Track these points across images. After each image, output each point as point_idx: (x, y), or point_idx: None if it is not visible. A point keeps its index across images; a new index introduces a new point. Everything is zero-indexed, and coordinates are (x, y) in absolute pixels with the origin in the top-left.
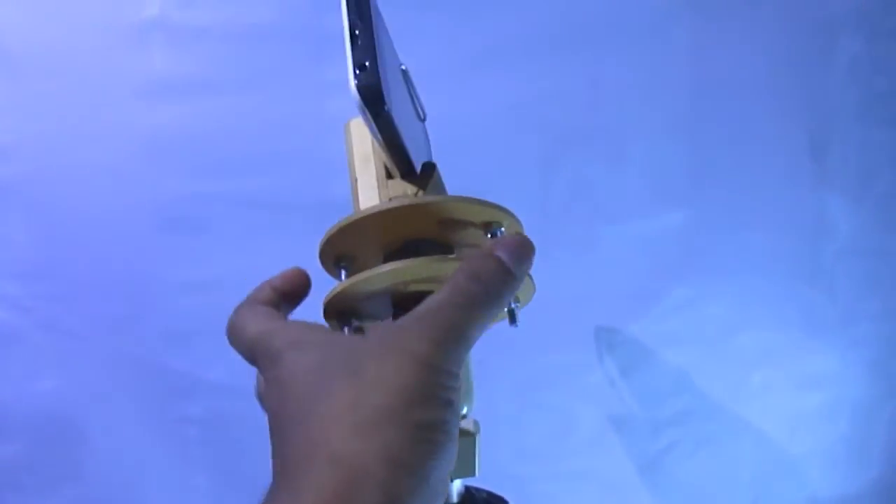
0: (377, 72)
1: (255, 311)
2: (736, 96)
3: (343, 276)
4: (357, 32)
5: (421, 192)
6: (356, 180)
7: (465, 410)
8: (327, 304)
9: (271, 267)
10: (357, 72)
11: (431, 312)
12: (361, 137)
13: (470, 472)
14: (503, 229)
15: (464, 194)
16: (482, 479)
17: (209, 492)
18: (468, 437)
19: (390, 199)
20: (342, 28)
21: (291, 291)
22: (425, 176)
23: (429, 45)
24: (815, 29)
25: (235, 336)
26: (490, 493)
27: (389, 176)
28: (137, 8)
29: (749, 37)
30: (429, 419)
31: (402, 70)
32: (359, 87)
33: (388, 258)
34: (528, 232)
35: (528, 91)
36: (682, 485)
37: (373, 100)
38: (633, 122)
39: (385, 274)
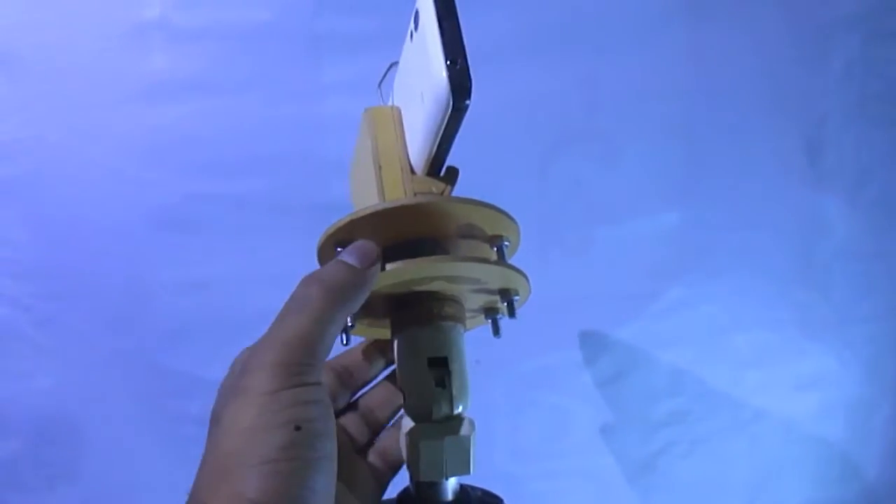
0: (468, 67)
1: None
2: (732, 97)
3: None
4: (444, 25)
5: (448, 190)
6: (381, 167)
7: (460, 409)
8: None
9: (267, 267)
10: (449, 63)
11: (269, 333)
12: (384, 126)
13: (465, 470)
14: (507, 244)
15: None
16: (478, 478)
17: None
18: (463, 436)
19: (416, 194)
20: (421, 18)
21: None
22: (451, 177)
23: None
24: (811, 30)
25: None
26: (485, 492)
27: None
28: (137, 9)
29: (745, 38)
30: (273, 452)
31: None
32: (451, 79)
33: (394, 254)
34: (524, 232)
35: (522, 91)
36: (678, 485)
37: (461, 93)
38: (629, 122)
39: (391, 273)
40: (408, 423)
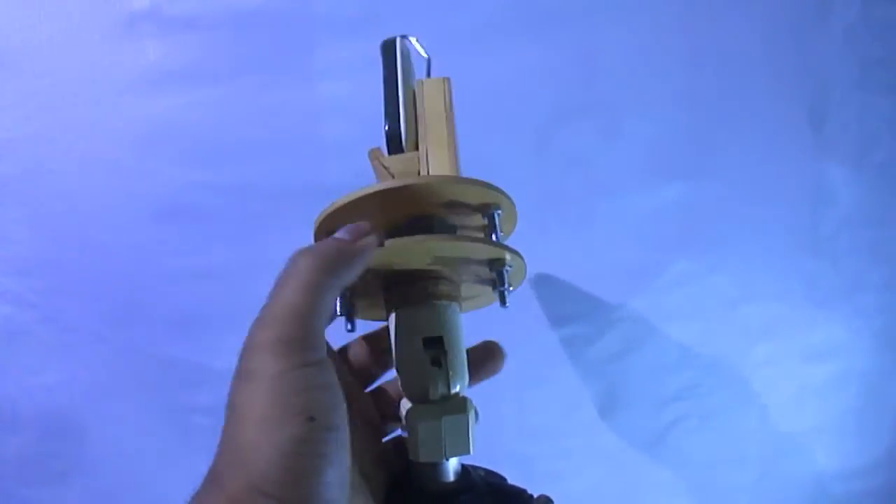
0: None
1: None
2: (732, 67)
3: None
4: None
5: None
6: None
7: (457, 388)
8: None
9: (269, 253)
10: None
11: (263, 311)
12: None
13: (465, 450)
14: (500, 212)
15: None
16: (486, 458)
17: None
18: (461, 415)
19: (393, 178)
20: None
21: None
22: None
23: (422, 21)
24: None
25: None
26: (488, 471)
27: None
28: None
29: (744, 6)
30: (288, 446)
31: None
32: None
33: (391, 235)
34: (526, 209)
35: (521, 66)
36: (689, 460)
37: None
38: (629, 95)
39: (380, 252)
40: (405, 405)
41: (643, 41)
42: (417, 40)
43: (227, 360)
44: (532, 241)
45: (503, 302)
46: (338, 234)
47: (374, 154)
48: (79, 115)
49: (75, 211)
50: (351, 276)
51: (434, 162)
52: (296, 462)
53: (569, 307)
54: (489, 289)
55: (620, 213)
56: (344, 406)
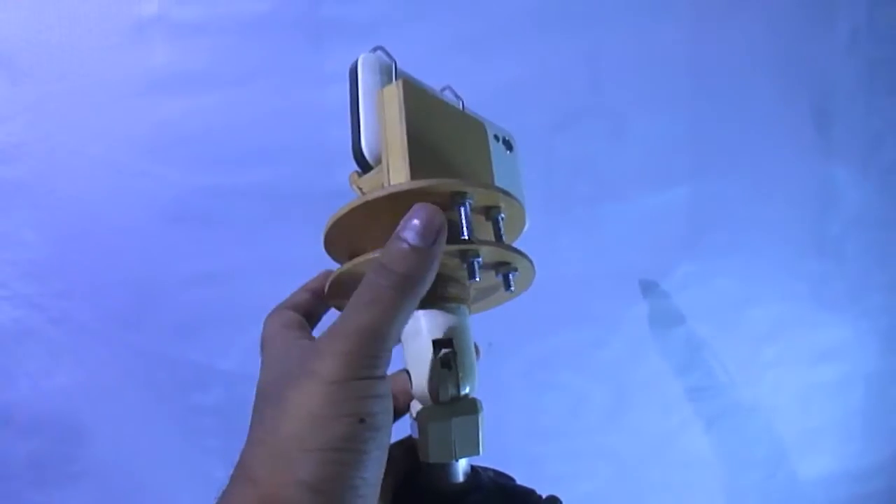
0: None
1: (275, 316)
2: (737, 70)
3: None
4: None
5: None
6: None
7: (467, 390)
8: (329, 286)
9: (277, 256)
10: None
11: (343, 321)
12: (390, 104)
13: (474, 451)
14: (471, 201)
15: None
16: (496, 459)
17: (226, 479)
18: (471, 416)
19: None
20: None
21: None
22: None
23: (429, 26)
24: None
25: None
26: (497, 472)
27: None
28: (136, 5)
29: (749, 10)
30: (335, 442)
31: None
32: None
33: None
34: (533, 212)
35: (527, 70)
36: (697, 462)
37: None
38: (634, 98)
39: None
40: (416, 406)
41: (649, 44)
42: (385, 49)
43: (235, 362)
44: (537, 244)
45: (508, 286)
46: (408, 236)
47: (352, 178)
48: (87, 119)
49: (84, 214)
50: (427, 287)
51: (392, 172)
52: (340, 456)
53: (577, 309)
54: (496, 291)
55: (627, 216)
56: (391, 412)
